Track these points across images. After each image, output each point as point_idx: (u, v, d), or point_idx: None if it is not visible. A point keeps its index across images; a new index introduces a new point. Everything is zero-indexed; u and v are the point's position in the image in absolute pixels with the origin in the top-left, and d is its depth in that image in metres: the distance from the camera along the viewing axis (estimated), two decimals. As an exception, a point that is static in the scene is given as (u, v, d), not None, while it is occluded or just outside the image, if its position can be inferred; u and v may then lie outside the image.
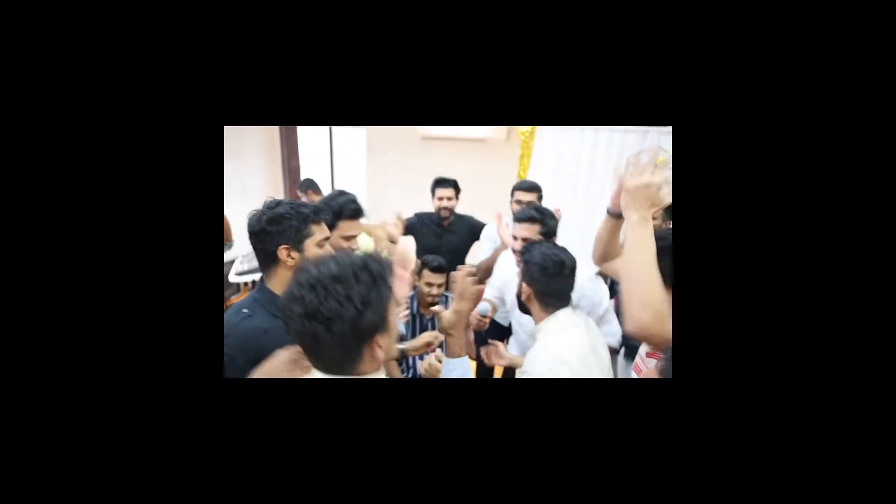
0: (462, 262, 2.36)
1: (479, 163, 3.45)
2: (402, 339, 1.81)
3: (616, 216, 1.04)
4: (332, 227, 1.22)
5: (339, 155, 3.96)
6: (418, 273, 1.81)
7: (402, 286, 1.08)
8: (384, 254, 1.87)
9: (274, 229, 0.95)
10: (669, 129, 0.90)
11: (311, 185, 2.88)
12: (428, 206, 2.38)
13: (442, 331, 1.03)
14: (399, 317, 1.21)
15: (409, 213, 2.41)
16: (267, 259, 0.97)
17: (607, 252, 1.12)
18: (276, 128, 3.56)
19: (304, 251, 0.96)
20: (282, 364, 0.80)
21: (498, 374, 2.20)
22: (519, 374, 1.16)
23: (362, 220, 1.41)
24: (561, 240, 1.49)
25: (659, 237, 0.86)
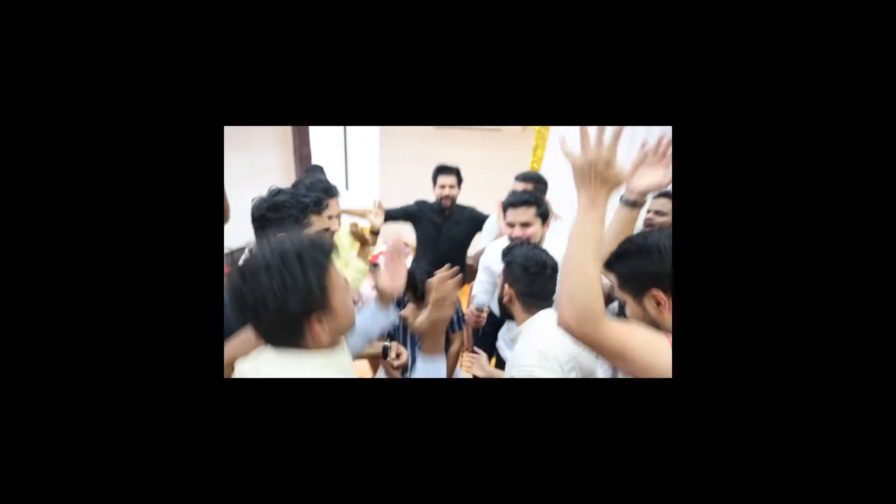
0: (463, 255, 2.30)
1: (493, 153, 3.41)
2: (390, 337, 1.78)
3: (630, 204, 0.96)
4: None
5: (352, 144, 3.96)
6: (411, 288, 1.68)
7: (395, 277, 1.06)
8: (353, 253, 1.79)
9: (274, 216, 0.97)
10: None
11: (316, 171, 2.85)
12: (442, 193, 2.32)
13: (414, 331, 0.96)
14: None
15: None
16: None
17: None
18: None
19: None
20: (243, 340, 0.82)
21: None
22: (506, 374, 1.15)
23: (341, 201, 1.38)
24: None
25: (631, 241, 0.82)
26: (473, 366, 1.37)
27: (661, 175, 0.92)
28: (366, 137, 3.81)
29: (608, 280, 0.85)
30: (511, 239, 1.53)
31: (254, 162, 3.30)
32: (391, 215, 2.28)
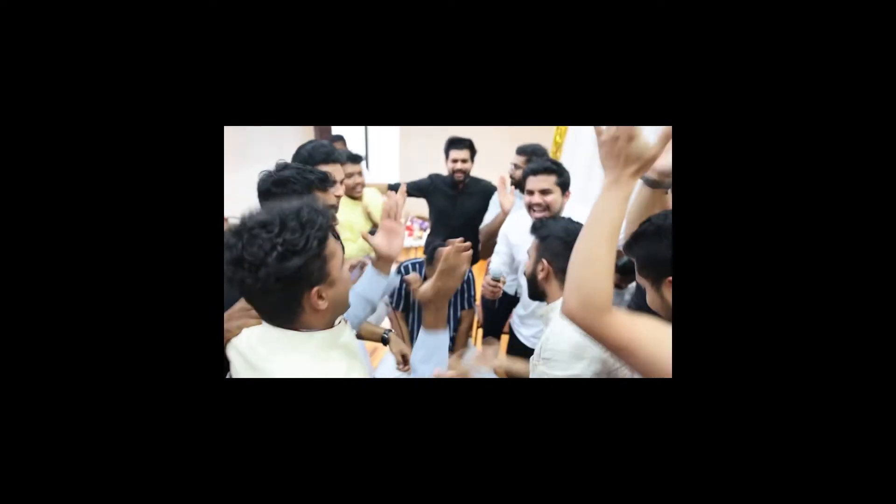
0: (476, 229, 2.27)
1: (514, 135, 3.33)
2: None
3: (651, 184, 0.88)
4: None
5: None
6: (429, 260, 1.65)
7: (393, 239, 1.03)
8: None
9: (279, 191, 0.96)
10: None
11: (337, 140, 2.84)
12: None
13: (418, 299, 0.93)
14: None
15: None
16: None
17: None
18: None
19: None
20: (236, 313, 0.81)
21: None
22: (536, 360, 1.11)
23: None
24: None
25: (650, 221, 0.77)
26: (488, 357, 1.29)
27: None
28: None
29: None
30: (530, 207, 1.54)
31: (274, 133, 3.31)
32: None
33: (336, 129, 3.60)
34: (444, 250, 0.88)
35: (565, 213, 1.51)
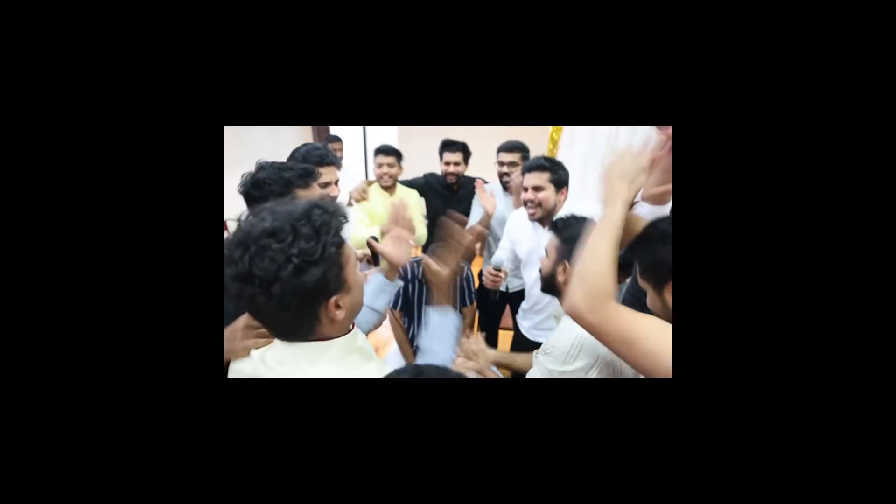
0: None
1: (512, 135, 3.33)
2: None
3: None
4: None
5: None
6: None
7: (399, 248, 1.02)
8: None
9: (257, 193, 0.95)
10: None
11: (334, 140, 2.82)
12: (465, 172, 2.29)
13: (428, 278, 0.99)
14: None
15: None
16: None
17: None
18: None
19: None
20: (237, 332, 0.73)
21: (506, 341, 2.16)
22: (541, 354, 1.11)
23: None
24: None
25: (655, 225, 0.79)
26: (475, 351, 1.27)
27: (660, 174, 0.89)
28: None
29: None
30: (525, 203, 1.59)
31: (275, 134, 3.31)
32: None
33: (334, 130, 3.60)
34: (454, 226, 0.97)
35: (564, 211, 1.52)
